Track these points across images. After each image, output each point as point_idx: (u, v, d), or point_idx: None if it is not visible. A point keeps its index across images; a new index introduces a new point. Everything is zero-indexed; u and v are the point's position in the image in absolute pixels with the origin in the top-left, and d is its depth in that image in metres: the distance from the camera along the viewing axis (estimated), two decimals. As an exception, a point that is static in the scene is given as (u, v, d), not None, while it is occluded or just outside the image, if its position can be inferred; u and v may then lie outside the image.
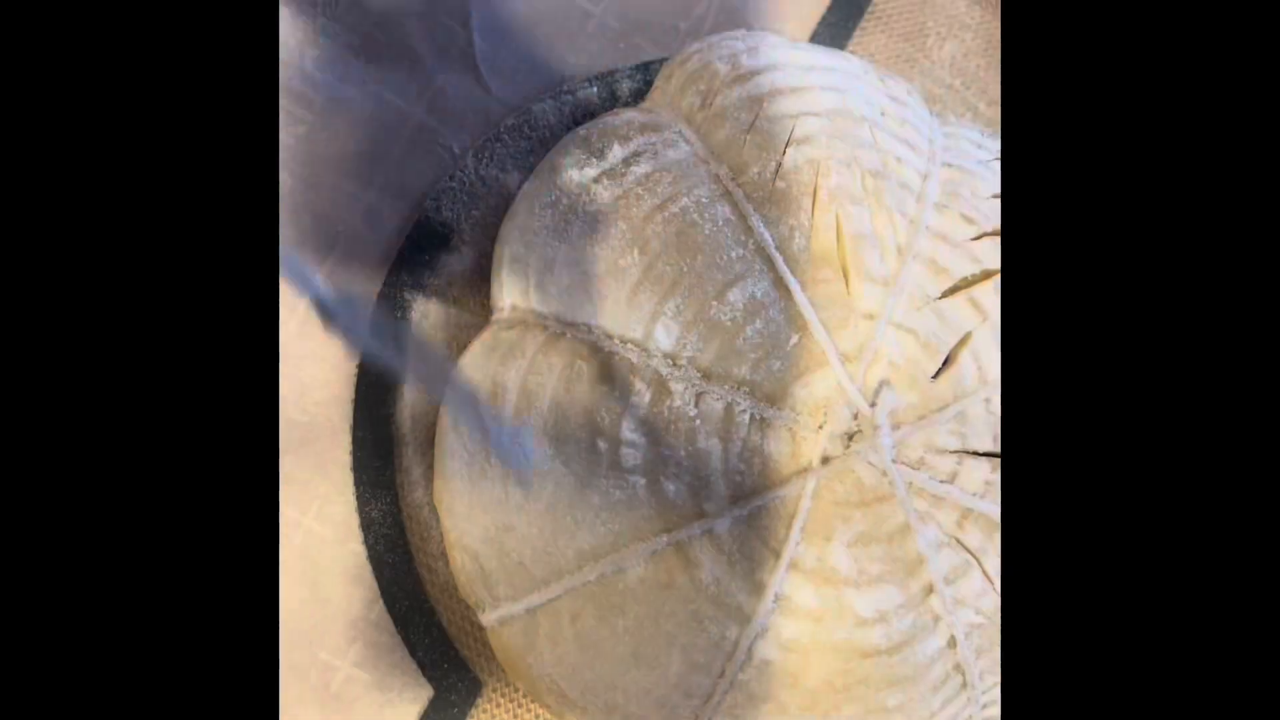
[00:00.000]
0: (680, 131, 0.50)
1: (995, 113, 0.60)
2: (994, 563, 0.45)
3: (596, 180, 0.49)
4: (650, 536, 0.45)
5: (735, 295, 0.45)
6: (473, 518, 0.48)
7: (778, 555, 0.44)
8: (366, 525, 0.53)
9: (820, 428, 0.45)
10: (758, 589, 0.44)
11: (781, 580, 0.44)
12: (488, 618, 0.49)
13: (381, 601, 0.52)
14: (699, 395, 0.45)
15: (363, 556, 0.53)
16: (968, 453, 0.45)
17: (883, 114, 0.51)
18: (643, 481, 0.44)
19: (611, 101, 0.57)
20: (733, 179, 0.48)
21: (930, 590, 0.45)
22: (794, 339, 0.45)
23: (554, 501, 0.45)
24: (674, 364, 0.45)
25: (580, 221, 0.48)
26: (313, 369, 0.53)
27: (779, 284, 0.46)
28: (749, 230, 0.46)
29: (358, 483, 0.53)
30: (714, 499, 0.44)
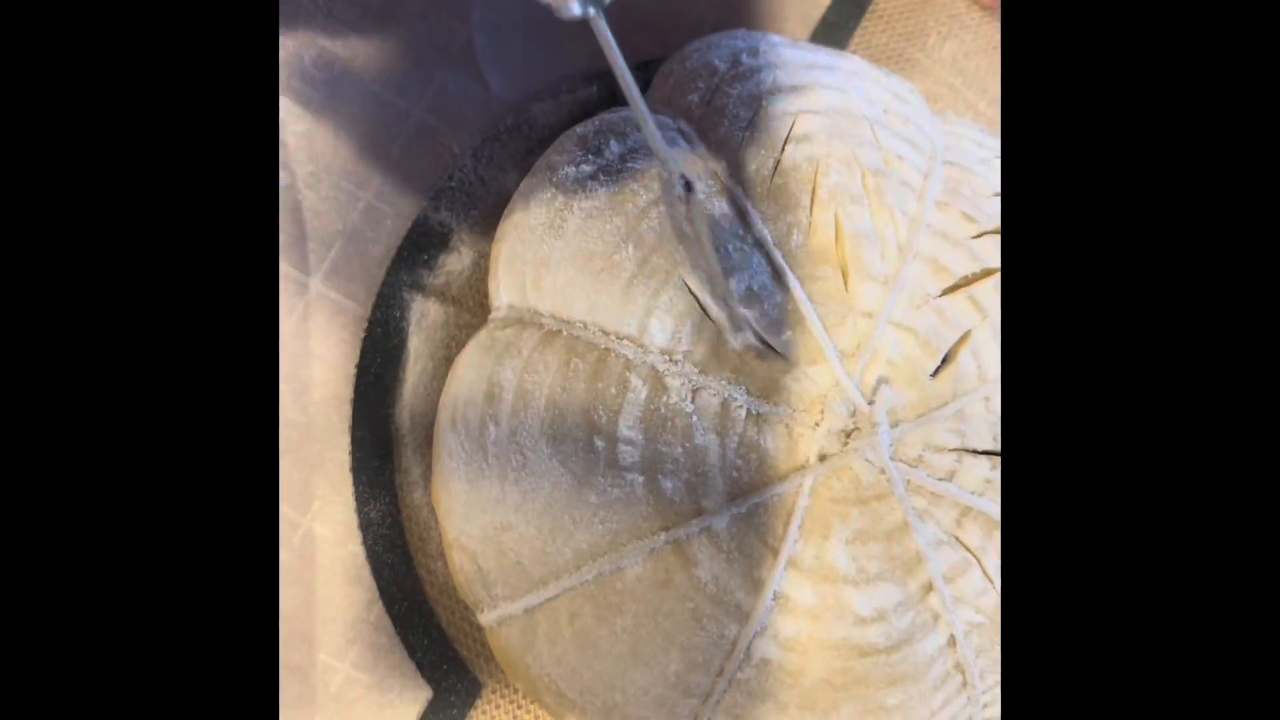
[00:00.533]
0: (679, 128, 0.50)
1: (995, 112, 0.60)
2: (994, 561, 0.45)
3: (593, 176, 0.49)
4: (648, 535, 0.44)
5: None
6: (470, 517, 0.48)
7: (776, 553, 0.44)
8: (365, 526, 0.53)
9: (816, 425, 0.44)
10: (756, 587, 0.44)
11: (780, 578, 0.44)
12: (486, 618, 0.49)
13: (380, 603, 0.52)
14: (695, 391, 0.45)
15: (361, 557, 0.53)
16: (967, 451, 0.45)
17: (885, 111, 0.51)
18: (640, 479, 0.44)
19: (611, 101, 0.57)
20: (730, 175, 0.48)
21: (929, 588, 0.44)
22: (788, 333, 0.45)
23: (551, 500, 0.45)
24: (669, 359, 0.45)
25: (576, 218, 0.48)
26: (312, 369, 0.53)
27: (776, 278, 0.46)
28: (747, 226, 0.46)
29: (357, 483, 0.53)
30: (712, 496, 0.44)
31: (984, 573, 0.45)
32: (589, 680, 0.46)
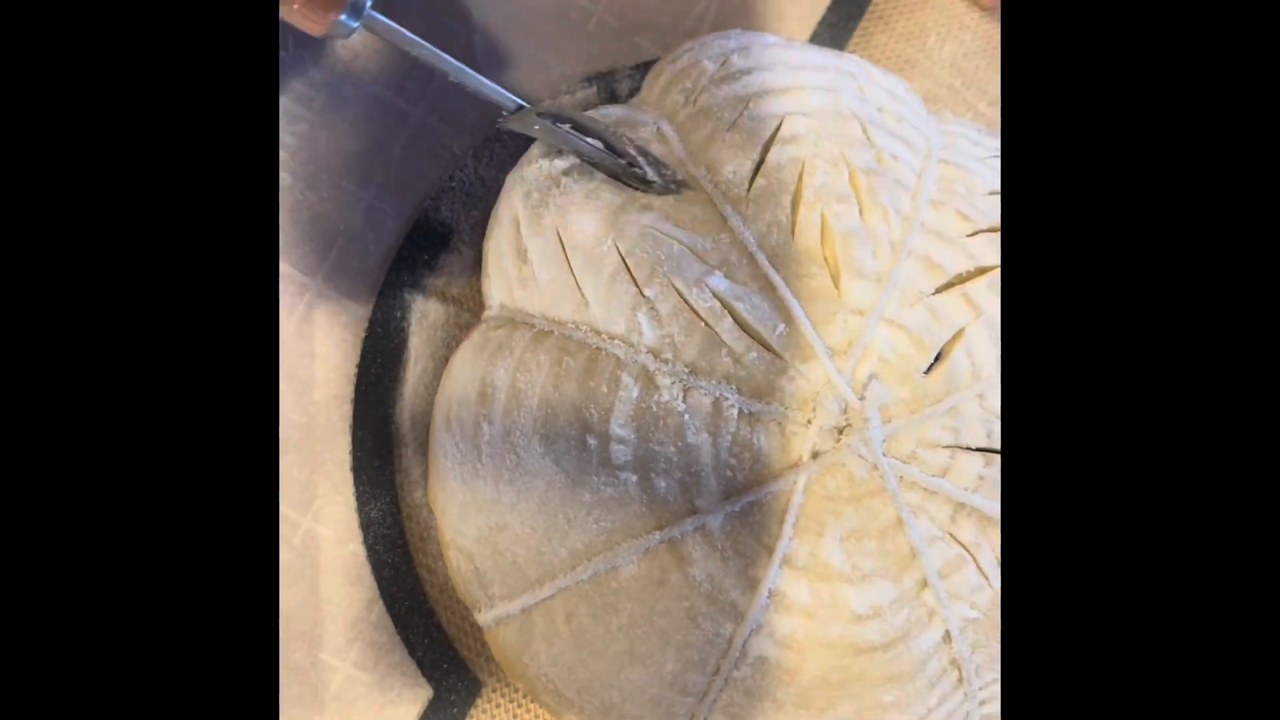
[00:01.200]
0: (659, 128, 0.50)
1: (995, 113, 0.60)
2: (988, 557, 0.45)
3: (566, 173, 0.48)
4: (643, 534, 0.45)
5: (716, 281, 0.45)
6: (466, 518, 0.48)
7: (770, 551, 0.44)
8: (366, 525, 0.53)
9: (809, 422, 0.44)
10: (751, 585, 0.44)
11: (775, 576, 0.44)
12: (484, 618, 0.49)
13: (381, 602, 0.53)
14: (686, 390, 0.45)
15: (362, 557, 0.53)
16: (960, 447, 0.45)
17: (880, 110, 0.50)
18: (634, 478, 0.44)
19: (610, 101, 0.57)
20: (708, 177, 0.48)
21: (924, 585, 0.44)
22: (780, 329, 0.45)
23: (546, 500, 0.45)
24: (658, 358, 0.45)
25: (552, 215, 0.48)
26: (313, 369, 0.53)
27: (760, 276, 0.45)
28: (725, 226, 0.46)
29: (357, 483, 0.53)
30: (705, 495, 0.44)
31: (979, 569, 0.45)
32: (586, 679, 0.46)
